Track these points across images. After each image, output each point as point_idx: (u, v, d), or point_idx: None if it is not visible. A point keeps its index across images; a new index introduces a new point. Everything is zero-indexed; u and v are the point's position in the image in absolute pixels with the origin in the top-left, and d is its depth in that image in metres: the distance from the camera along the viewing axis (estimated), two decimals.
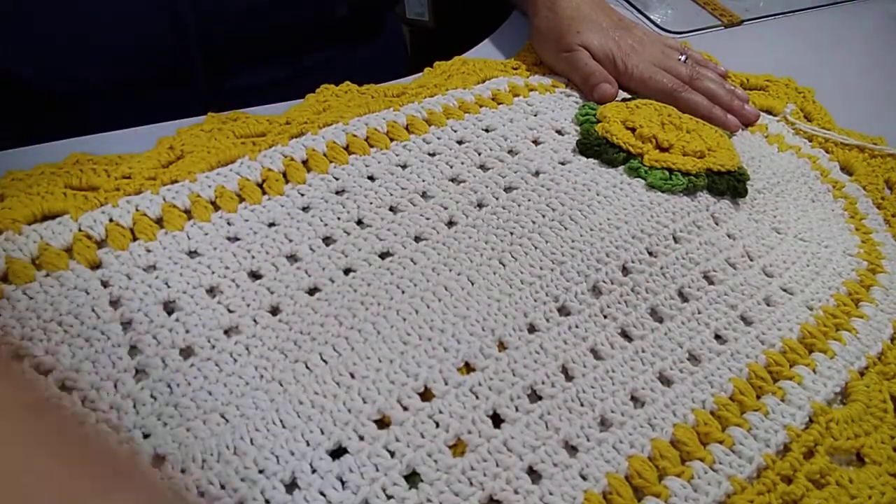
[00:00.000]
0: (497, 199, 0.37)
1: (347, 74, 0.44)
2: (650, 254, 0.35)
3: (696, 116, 0.45)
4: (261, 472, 0.25)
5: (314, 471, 0.25)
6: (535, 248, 0.34)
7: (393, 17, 0.65)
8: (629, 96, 0.47)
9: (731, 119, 0.47)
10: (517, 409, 0.28)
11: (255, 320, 0.29)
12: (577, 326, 0.31)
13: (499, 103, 0.44)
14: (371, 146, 0.39)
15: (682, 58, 0.49)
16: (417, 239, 0.34)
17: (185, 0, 0.44)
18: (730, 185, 0.40)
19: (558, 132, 0.42)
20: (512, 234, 0.35)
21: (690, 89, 0.47)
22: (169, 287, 0.30)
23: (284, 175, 0.36)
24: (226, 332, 0.29)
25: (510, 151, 0.40)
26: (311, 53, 0.54)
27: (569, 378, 0.29)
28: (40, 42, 0.44)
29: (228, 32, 0.47)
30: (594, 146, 0.40)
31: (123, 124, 0.39)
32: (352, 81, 0.44)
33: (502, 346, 0.30)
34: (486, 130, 0.41)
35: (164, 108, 0.40)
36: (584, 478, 0.26)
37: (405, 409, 0.27)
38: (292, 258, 0.32)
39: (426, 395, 0.28)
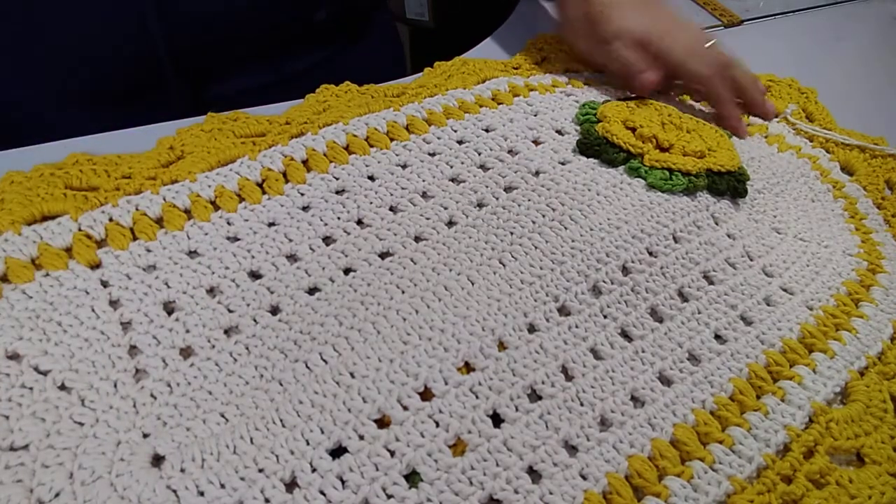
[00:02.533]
0: (497, 198, 0.37)
1: (335, 79, 0.44)
2: (650, 254, 0.35)
3: (716, 109, 0.45)
4: (260, 471, 0.25)
5: (314, 470, 0.25)
6: (535, 247, 0.34)
7: (383, 17, 0.64)
8: (631, 96, 0.47)
9: (742, 126, 0.46)
10: (517, 409, 0.28)
11: (255, 320, 0.29)
12: (577, 326, 0.31)
13: (499, 103, 0.44)
14: (371, 146, 0.39)
15: (712, 43, 0.48)
16: (417, 239, 0.34)
17: (152, 7, 0.43)
18: (730, 185, 0.40)
19: (558, 132, 0.42)
20: (512, 233, 0.35)
21: (723, 78, 0.46)
22: (169, 287, 0.30)
23: (284, 175, 0.36)
24: (226, 332, 0.29)
25: (510, 151, 0.40)
26: (292, 60, 0.53)
27: (569, 378, 0.29)
28: (6, 51, 0.43)
29: (198, 40, 0.46)
30: (594, 146, 0.40)
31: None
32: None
33: (502, 345, 0.30)
34: (486, 130, 0.41)
35: (140, 120, 0.39)
36: (584, 477, 0.26)
37: (405, 408, 0.27)
38: (292, 258, 0.32)
39: (426, 394, 0.28)
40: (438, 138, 0.40)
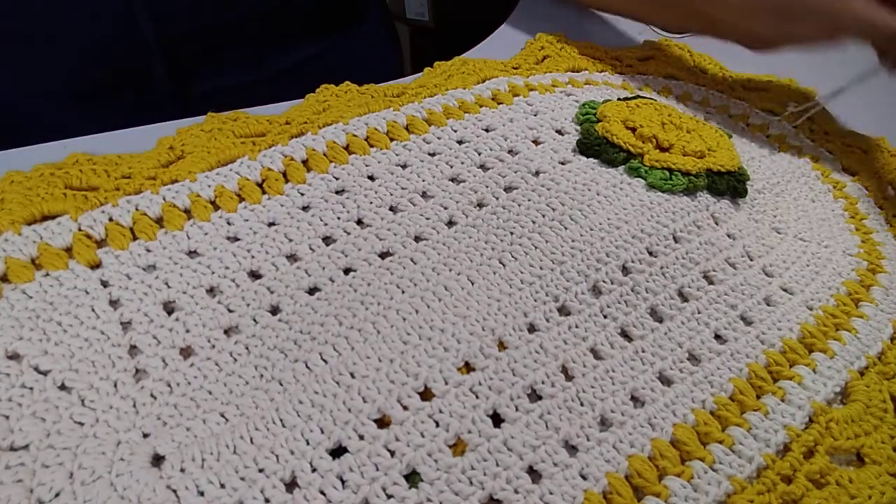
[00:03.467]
0: (497, 198, 0.37)
1: (333, 77, 0.43)
2: (650, 253, 0.35)
3: None
4: (260, 471, 0.25)
5: (314, 470, 0.25)
6: (535, 247, 0.34)
7: (377, 14, 0.64)
8: (630, 95, 0.47)
9: None
10: (517, 409, 0.28)
11: (255, 320, 0.29)
12: (577, 326, 0.31)
13: (499, 103, 0.44)
14: (371, 146, 0.39)
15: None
16: (417, 239, 0.34)
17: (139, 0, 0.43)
18: (730, 185, 0.40)
19: (558, 132, 0.42)
20: (512, 233, 0.35)
21: None
22: (169, 287, 0.30)
23: (284, 175, 0.36)
24: (226, 331, 0.29)
25: (510, 151, 0.40)
26: (281, 52, 0.52)
27: (569, 378, 0.29)
28: None
29: (186, 28, 0.46)
30: (594, 146, 0.40)
31: (83, 133, 0.38)
32: (332, 83, 0.43)
33: (502, 345, 0.30)
34: (486, 130, 0.41)
35: (128, 116, 0.39)
36: (584, 477, 0.26)
37: (405, 408, 0.27)
38: (292, 258, 0.32)
39: (426, 394, 0.28)
40: (438, 138, 0.40)
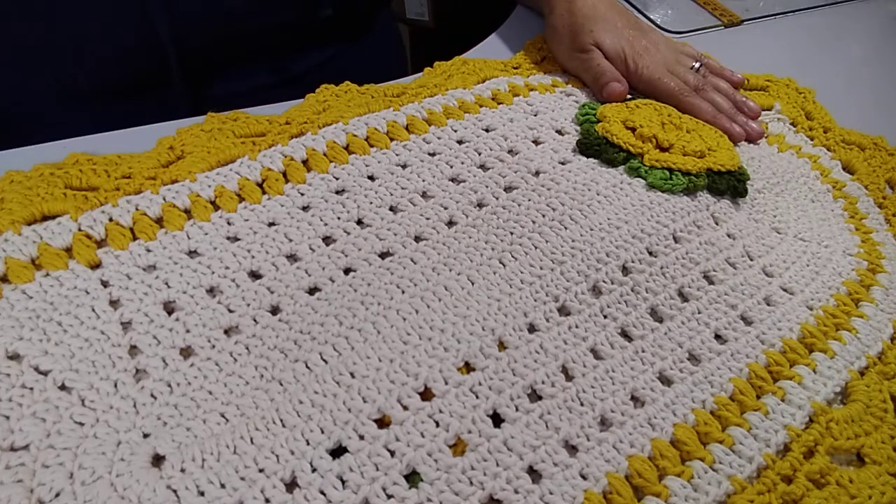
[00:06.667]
0: (497, 198, 0.37)
1: (338, 79, 0.44)
2: (650, 253, 0.35)
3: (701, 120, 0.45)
4: (261, 471, 0.25)
5: (314, 470, 0.25)
6: (535, 247, 0.34)
7: (386, 18, 0.64)
8: (630, 96, 0.47)
9: (735, 127, 0.46)
10: (517, 409, 0.28)
11: (255, 320, 0.29)
12: (577, 326, 0.31)
13: (499, 103, 0.44)
14: (371, 146, 0.39)
15: (696, 65, 0.50)
16: (417, 239, 0.34)
17: (158, 4, 0.43)
18: (730, 185, 0.40)
19: (558, 132, 0.42)
20: (512, 233, 0.35)
21: (694, 94, 0.47)
22: (169, 287, 0.30)
23: (284, 175, 0.36)
24: (226, 332, 0.29)
25: (510, 151, 0.40)
26: (296, 58, 0.53)
27: (569, 378, 0.29)
28: (13, 46, 0.43)
29: (205, 36, 0.46)
30: (594, 146, 0.40)
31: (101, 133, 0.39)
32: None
33: (502, 345, 0.30)
34: (486, 130, 0.41)
35: (144, 117, 0.39)
36: (584, 477, 0.26)
37: (405, 408, 0.27)
38: (292, 258, 0.32)
39: (426, 394, 0.28)
40: (438, 138, 0.40)
